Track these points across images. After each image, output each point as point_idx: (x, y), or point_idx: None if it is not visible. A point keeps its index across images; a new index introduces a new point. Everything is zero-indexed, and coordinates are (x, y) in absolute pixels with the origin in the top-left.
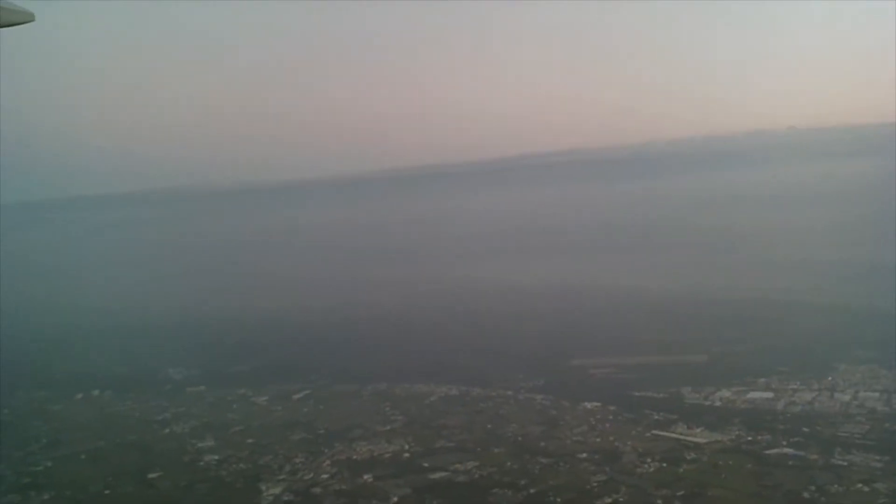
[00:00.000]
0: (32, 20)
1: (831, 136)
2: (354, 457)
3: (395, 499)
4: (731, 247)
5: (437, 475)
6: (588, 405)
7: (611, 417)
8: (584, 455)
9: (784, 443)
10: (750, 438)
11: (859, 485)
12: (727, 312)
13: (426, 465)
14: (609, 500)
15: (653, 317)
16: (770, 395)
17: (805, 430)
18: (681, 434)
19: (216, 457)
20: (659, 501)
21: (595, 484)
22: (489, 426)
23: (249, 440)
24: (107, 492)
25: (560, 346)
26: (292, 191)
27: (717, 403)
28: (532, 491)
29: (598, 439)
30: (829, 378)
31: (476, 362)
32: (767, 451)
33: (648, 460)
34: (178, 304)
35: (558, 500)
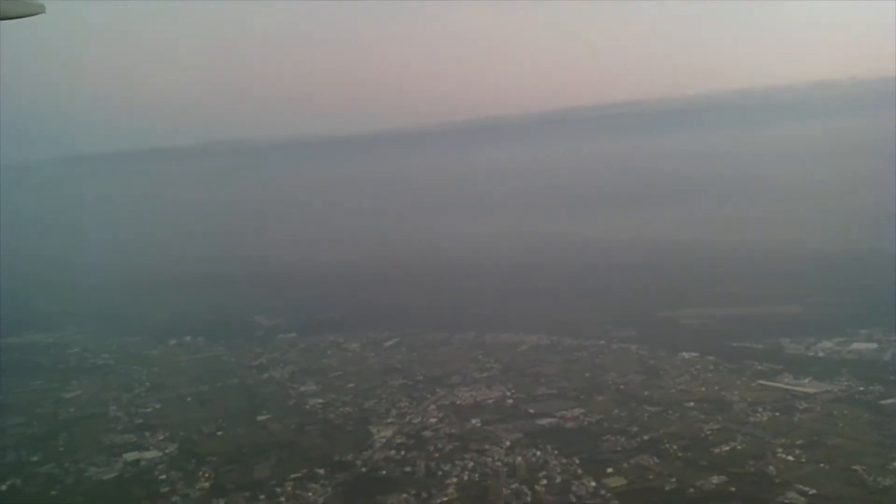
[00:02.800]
0: (43, 12)
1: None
2: (458, 402)
3: (508, 443)
4: (805, 199)
5: (545, 421)
6: (686, 355)
7: (711, 367)
8: (692, 404)
9: None
10: (862, 388)
11: None
12: (813, 264)
13: (532, 411)
14: (727, 448)
15: (738, 269)
16: (874, 346)
17: None
18: (788, 384)
19: (320, 400)
20: (779, 450)
21: (709, 432)
22: (587, 375)
23: (350, 385)
24: (219, 433)
25: (648, 298)
26: (360, 143)
27: (821, 354)
28: (645, 438)
29: (703, 388)
30: None
31: (563, 313)
32: (883, 402)
33: (760, 409)
34: (258, 253)
35: (674, 447)
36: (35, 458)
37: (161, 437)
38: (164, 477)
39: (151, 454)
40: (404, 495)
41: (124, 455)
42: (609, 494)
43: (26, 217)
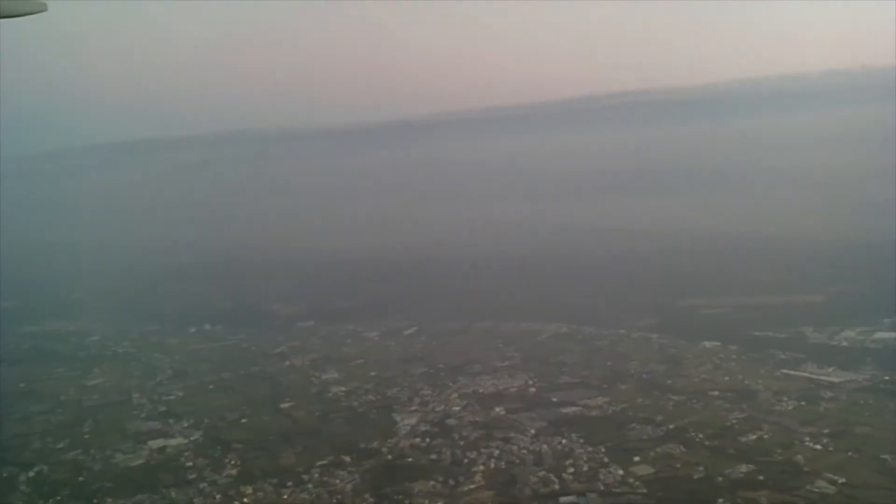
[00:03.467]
0: (45, 10)
1: None
2: (480, 390)
3: (533, 431)
4: (821, 187)
5: (569, 409)
6: (707, 344)
7: (734, 357)
8: (716, 393)
9: None
10: (887, 378)
11: None
12: (833, 253)
13: (555, 399)
14: (753, 437)
15: (757, 258)
16: None
17: None
18: (812, 373)
19: (343, 388)
20: (806, 439)
21: (735, 421)
22: (609, 363)
23: (371, 373)
24: (244, 420)
25: (666, 287)
26: (373, 133)
27: (844, 343)
28: (671, 427)
29: (727, 378)
30: None
31: (582, 302)
32: None
33: (784, 399)
34: (274, 242)
35: (700, 436)
36: (61, 446)
37: (185, 425)
38: (190, 464)
39: (177, 441)
40: (431, 482)
41: (150, 442)
42: (637, 483)
43: (39, 207)
